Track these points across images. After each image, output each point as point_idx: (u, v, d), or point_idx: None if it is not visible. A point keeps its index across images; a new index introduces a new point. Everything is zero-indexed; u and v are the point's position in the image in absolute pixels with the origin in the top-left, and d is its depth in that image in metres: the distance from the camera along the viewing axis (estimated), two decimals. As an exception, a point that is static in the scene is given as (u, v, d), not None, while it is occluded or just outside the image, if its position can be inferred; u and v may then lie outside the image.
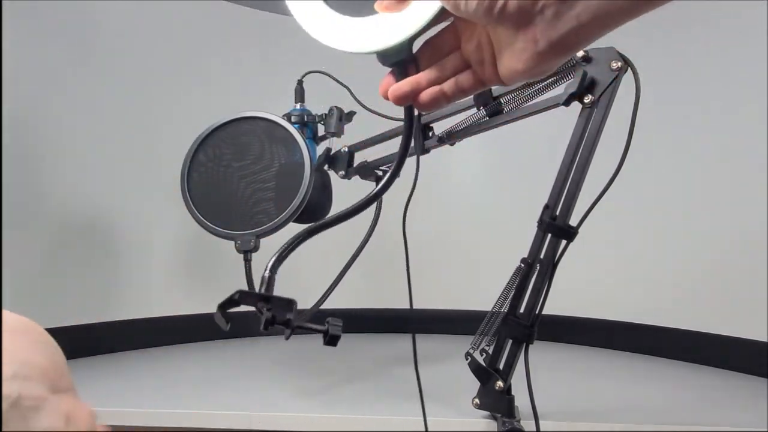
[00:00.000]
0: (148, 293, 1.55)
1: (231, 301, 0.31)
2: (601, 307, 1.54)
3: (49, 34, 1.42)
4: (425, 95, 0.37)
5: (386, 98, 0.38)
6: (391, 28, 0.37)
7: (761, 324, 1.25)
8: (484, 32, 0.36)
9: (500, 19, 0.32)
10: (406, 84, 0.38)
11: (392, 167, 0.44)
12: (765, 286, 1.25)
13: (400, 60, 0.38)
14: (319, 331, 0.34)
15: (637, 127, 0.80)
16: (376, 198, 0.43)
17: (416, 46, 0.39)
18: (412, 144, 0.44)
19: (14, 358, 0.25)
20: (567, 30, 0.31)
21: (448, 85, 0.38)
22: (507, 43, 0.34)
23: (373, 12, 0.38)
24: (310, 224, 0.41)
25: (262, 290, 0.34)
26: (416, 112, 0.41)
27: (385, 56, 0.38)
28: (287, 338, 0.33)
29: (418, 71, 0.38)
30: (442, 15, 0.37)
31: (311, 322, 0.34)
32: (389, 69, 0.39)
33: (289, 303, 0.33)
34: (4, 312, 0.30)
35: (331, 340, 0.34)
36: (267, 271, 0.36)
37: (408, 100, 0.38)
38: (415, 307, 1.73)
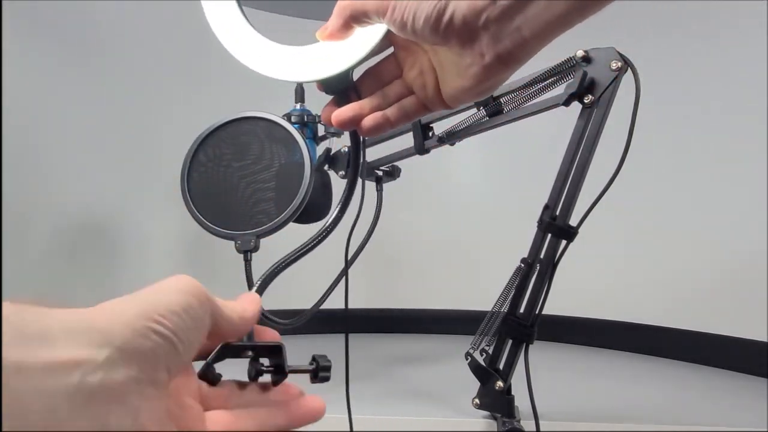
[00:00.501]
0: (148, 293, 1.55)
1: (218, 356, 0.30)
2: (601, 307, 1.54)
3: (48, 34, 1.42)
4: (368, 121, 0.38)
5: (329, 124, 0.39)
6: (334, 56, 0.37)
7: (761, 324, 1.25)
8: (425, 58, 0.37)
9: (446, 36, 0.32)
10: (349, 110, 0.38)
11: (343, 195, 0.44)
12: (765, 286, 1.25)
13: (342, 88, 0.39)
14: (308, 371, 0.34)
15: (637, 127, 0.80)
16: (329, 231, 0.43)
17: (356, 75, 0.39)
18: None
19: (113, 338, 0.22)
20: (511, 43, 0.32)
21: (391, 111, 0.39)
22: (452, 62, 0.35)
23: (314, 40, 0.38)
24: (271, 267, 0.42)
25: (245, 339, 0.33)
26: (362, 138, 0.41)
27: (327, 85, 0.39)
28: (275, 384, 0.32)
29: (359, 98, 0.39)
30: (381, 45, 0.37)
31: (300, 360, 0.34)
32: (331, 96, 0.40)
33: (275, 348, 0.32)
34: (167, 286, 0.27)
35: (322, 377, 0.34)
36: None
37: (351, 125, 0.39)
38: (414, 307, 1.74)
